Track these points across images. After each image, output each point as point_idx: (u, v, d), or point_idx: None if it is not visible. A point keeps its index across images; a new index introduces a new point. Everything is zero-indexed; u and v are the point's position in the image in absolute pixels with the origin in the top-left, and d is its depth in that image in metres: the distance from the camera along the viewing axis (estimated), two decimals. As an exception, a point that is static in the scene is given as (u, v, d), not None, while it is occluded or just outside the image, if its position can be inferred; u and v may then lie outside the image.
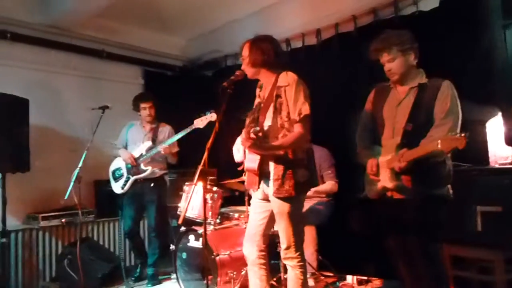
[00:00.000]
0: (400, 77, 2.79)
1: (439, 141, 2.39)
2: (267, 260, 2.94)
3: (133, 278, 4.58)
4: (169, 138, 4.42)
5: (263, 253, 2.90)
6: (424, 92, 2.70)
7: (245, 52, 2.87)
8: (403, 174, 2.65)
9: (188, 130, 4.24)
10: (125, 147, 4.63)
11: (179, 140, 4.47)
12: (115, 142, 4.71)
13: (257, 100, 3.00)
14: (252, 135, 2.57)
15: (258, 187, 2.84)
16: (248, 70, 2.87)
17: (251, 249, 2.91)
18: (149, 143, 4.44)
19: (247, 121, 2.93)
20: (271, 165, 2.75)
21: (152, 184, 4.49)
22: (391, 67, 2.78)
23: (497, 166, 3.34)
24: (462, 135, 2.33)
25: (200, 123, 4.12)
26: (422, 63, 2.84)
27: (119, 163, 4.61)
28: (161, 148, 4.29)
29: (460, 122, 2.63)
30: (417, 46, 2.79)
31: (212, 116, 4.07)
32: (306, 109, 2.68)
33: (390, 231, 2.91)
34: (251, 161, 2.78)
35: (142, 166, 4.42)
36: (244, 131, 2.81)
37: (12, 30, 4.83)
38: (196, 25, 6.06)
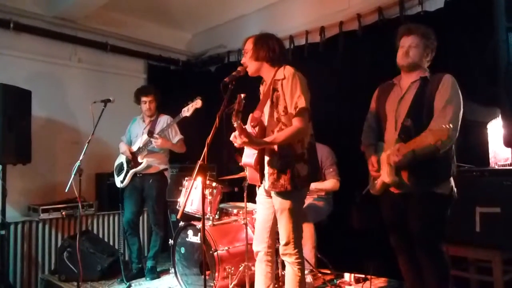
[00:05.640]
0: (411, 63, 2.77)
1: (427, 133, 2.39)
2: (274, 258, 2.94)
3: (128, 275, 4.41)
4: (166, 128, 4.37)
5: (271, 250, 2.88)
6: (425, 85, 2.70)
7: (249, 45, 2.83)
8: (402, 170, 2.64)
9: (176, 120, 4.24)
10: (130, 142, 4.62)
11: (181, 130, 4.54)
12: (122, 137, 4.72)
13: (261, 97, 2.96)
14: (241, 137, 2.52)
15: (261, 183, 2.82)
16: (251, 64, 2.82)
17: (260, 245, 2.89)
18: (145, 136, 4.40)
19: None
20: (267, 159, 2.73)
21: (151, 181, 4.48)
22: (409, 51, 2.77)
23: (497, 167, 3.35)
24: (447, 126, 2.31)
25: (186, 111, 4.10)
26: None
27: (121, 158, 4.61)
28: (154, 141, 4.26)
29: (460, 114, 2.60)
30: (434, 53, 2.81)
31: (197, 103, 4.02)
32: (302, 102, 2.62)
33: (390, 227, 2.92)
34: (248, 156, 2.76)
35: (139, 159, 4.40)
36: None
37: (16, 20, 4.81)
38: (202, 20, 6.06)
